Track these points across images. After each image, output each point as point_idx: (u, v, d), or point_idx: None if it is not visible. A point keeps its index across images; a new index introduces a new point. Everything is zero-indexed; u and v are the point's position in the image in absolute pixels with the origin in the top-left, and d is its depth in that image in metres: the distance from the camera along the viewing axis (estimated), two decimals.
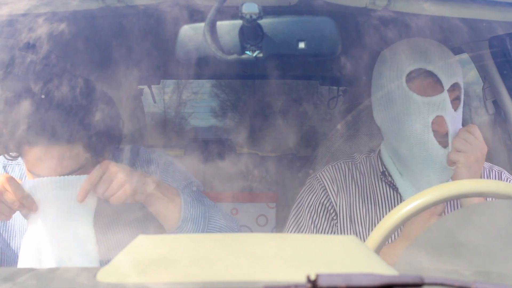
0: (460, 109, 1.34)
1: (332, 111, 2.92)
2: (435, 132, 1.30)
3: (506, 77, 1.72)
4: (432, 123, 1.29)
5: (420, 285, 0.58)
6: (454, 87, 1.31)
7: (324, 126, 3.20)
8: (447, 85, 1.29)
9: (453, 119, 1.29)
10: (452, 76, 1.29)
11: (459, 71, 1.32)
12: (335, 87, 2.88)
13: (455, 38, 1.81)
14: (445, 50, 1.34)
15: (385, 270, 0.68)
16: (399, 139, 1.37)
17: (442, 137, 1.30)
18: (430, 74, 1.29)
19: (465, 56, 1.88)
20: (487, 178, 1.47)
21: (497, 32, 1.63)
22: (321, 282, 0.57)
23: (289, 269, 0.68)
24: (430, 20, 1.30)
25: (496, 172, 1.49)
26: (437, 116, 1.28)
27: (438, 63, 1.27)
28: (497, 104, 1.76)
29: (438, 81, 1.29)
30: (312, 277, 0.57)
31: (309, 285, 0.57)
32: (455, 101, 1.32)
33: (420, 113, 1.29)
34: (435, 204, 0.98)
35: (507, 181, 1.48)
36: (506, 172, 1.50)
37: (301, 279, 0.59)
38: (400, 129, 1.34)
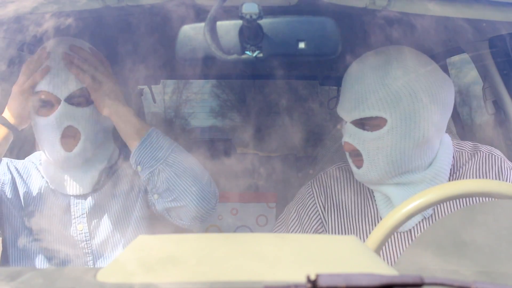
0: (384, 129, 1.33)
1: (332, 111, 2.91)
2: (348, 153, 1.42)
3: (506, 77, 1.72)
4: (344, 146, 1.40)
5: (420, 285, 0.58)
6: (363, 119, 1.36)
7: (324, 126, 3.20)
8: (349, 119, 1.38)
9: (365, 141, 1.35)
10: (354, 111, 1.35)
11: (367, 105, 1.33)
12: (335, 87, 2.88)
13: (455, 38, 1.81)
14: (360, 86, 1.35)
15: (385, 270, 0.68)
16: None
17: (356, 156, 1.39)
18: None
19: (465, 56, 1.88)
20: (484, 161, 1.46)
21: (497, 32, 1.63)
22: (321, 282, 0.57)
23: (289, 269, 0.68)
24: (430, 20, 1.30)
25: (497, 157, 1.47)
26: (345, 142, 1.39)
27: (345, 106, 1.38)
28: (497, 104, 1.76)
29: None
30: (312, 277, 0.57)
31: (309, 285, 0.57)
32: (371, 124, 1.35)
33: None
34: (435, 204, 0.98)
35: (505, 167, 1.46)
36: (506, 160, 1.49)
37: (301, 279, 0.59)
38: None
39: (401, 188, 1.38)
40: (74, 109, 1.41)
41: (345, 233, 1.46)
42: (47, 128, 1.41)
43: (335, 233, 1.46)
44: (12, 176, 1.51)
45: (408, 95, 1.31)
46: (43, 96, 1.40)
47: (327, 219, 1.48)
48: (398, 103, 1.31)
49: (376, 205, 1.44)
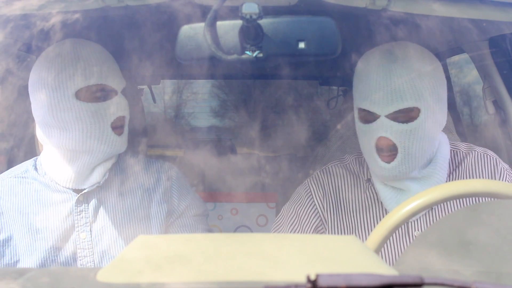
0: (419, 120, 1.34)
1: (332, 111, 2.92)
2: (381, 149, 1.37)
3: (506, 77, 1.72)
4: (377, 141, 1.36)
5: (420, 285, 0.58)
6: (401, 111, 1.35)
7: (324, 126, 3.20)
8: (384, 113, 1.34)
9: (402, 133, 1.34)
10: (391, 104, 1.33)
11: (404, 96, 1.33)
12: (335, 87, 2.88)
13: (455, 38, 1.81)
14: (396, 75, 1.34)
15: (385, 270, 0.68)
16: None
17: (389, 151, 1.36)
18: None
19: (465, 56, 1.88)
20: (478, 160, 1.48)
21: (497, 32, 1.63)
22: (321, 282, 0.57)
23: (289, 269, 0.68)
24: (430, 20, 1.31)
25: (491, 157, 1.49)
26: (380, 137, 1.35)
27: (378, 99, 1.34)
28: (497, 104, 1.76)
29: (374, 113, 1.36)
30: (312, 277, 0.57)
31: (309, 285, 0.57)
32: (406, 116, 1.34)
33: (365, 137, 1.39)
34: (435, 204, 0.98)
35: (500, 168, 1.48)
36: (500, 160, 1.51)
37: (301, 279, 0.59)
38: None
39: (417, 182, 1.39)
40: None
41: (347, 231, 1.45)
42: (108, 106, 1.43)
43: (336, 231, 1.46)
44: None
45: (437, 86, 1.35)
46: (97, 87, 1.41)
47: (326, 217, 1.47)
48: (429, 93, 1.34)
49: (381, 202, 1.44)
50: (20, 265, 1.44)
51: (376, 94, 1.35)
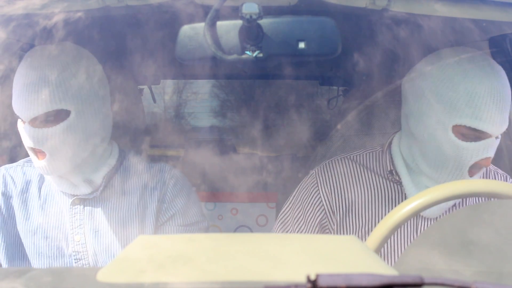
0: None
1: (332, 111, 2.92)
2: (477, 168, 1.32)
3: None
4: (486, 161, 1.30)
5: (420, 285, 0.58)
6: None
7: (324, 126, 3.20)
8: (496, 133, 1.29)
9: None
10: (503, 124, 1.28)
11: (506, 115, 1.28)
12: (335, 87, 2.88)
13: (455, 38, 1.81)
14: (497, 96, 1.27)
15: (385, 270, 0.68)
16: (431, 150, 1.34)
17: (479, 169, 1.33)
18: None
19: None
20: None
21: (497, 32, 1.63)
22: (321, 282, 0.57)
23: (289, 269, 0.68)
24: (430, 20, 1.31)
25: (501, 175, 1.51)
26: (487, 157, 1.30)
27: (490, 119, 1.26)
28: None
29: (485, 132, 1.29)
30: (312, 277, 0.57)
31: (309, 285, 0.57)
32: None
33: (462, 156, 1.30)
34: (435, 203, 0.98)
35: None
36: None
37: (301, 279, 0.59)
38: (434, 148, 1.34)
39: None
40: (37, 131, 1.32)
41: (361, 225, 1.43)
42: (23, 134, 1.36)
43: (347, 225, 1.43)
44: (7, 189, 1.48)
45: None
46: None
47: (333, 211, 1.45)
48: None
49: (405, 193, 1.42)
50: (12, 254, 1.45)
51: (494, 114, 1.27)
